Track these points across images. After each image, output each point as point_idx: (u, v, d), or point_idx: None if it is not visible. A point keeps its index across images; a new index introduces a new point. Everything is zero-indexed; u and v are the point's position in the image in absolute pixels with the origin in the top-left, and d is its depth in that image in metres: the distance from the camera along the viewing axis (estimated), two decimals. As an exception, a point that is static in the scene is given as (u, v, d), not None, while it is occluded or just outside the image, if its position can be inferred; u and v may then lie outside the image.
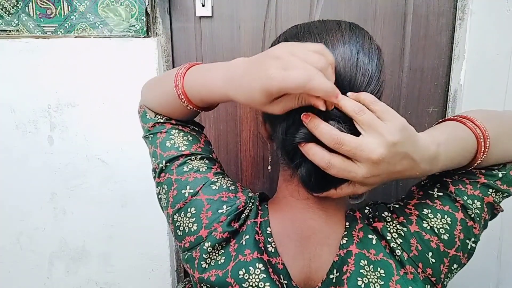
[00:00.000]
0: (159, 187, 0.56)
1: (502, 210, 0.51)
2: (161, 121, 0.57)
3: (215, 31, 1.04)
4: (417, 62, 1.02)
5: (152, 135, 0.57)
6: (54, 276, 1.16)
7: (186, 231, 0.51)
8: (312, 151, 0.41)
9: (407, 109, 1.04)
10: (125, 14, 0.99)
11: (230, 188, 0.53)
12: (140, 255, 1.12)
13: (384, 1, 1.00)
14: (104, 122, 1.05)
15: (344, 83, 0.43)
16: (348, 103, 0.40)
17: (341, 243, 0.48)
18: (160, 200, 0.56)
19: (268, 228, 0.50)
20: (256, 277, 0.47)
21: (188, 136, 0.56)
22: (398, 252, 0.46)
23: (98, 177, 1.08)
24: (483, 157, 0.47)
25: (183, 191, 0.52)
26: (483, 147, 0.46)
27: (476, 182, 0.49)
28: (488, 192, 0.49)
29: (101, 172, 1.08)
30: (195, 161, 0.54)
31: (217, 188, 0.52)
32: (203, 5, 1.02)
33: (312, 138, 0.42)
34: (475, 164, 0.48)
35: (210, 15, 1.03)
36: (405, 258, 0.46)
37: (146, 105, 0.60)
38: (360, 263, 0.47)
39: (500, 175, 0.50)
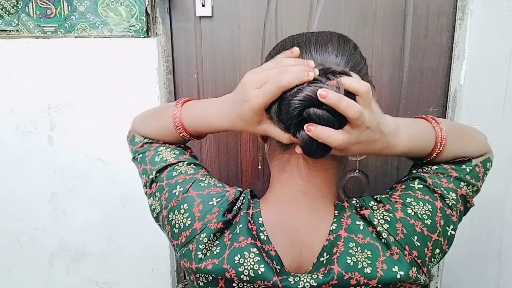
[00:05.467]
0: (151, 198, 0.59)
1: (473, 205, 0.58)
2: (149, 141, 0.62)
3: (215, 31, 1.04)
4: (417, 62, 1.02)
5: (140, 155, 0.62)
6: (54, 276, 1.16)
7: (182, 227, 0.54)
8: (319, 130, 0.45)
9: (407, 109, 1.04)
10: (125, 14, 0.99)
11: (218, 185, 0.57)
12: (140, 255, 1.12)
13: (384, 1, 1.00)
14: (104, 122, 1.05)
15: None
16: (355, 84, 0.45)
17: (331, 228, 0.52)
18: (153, 210, 0.59)
19: (260, 218, 0.53)
20: (251, 260, 0.49)
21: (175, 150, 0.61)
22: (384, 235, 0.50)
23: (98, 177, 1.08)
24: (443, 143, 0.54)
25: (173, 191, 0.56)
26: (440, 133, 0.54)
27: (449, 177, 0.55)
28: (461, 185, 0.55)
29: (101, 172, 1.08)
30: (183, 166, 0.58)
31: (205, 185, 0.56)
32: (203, 5, 1.02)
33: (309, 101, 0.45)
34: (436, 150, 0.55)
35: (210, 15, 1.03)
36: (391, 241, 0.50)
37: (138, 132, 0.65)
38: (349, 245, 0.50)
39: (468, 170, 0.56)
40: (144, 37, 1.00)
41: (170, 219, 0.55)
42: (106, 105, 1.04)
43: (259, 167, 0.56)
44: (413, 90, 1.04)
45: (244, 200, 0.55)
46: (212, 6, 1.02)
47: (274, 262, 0.50)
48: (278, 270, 0.50)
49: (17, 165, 1.09)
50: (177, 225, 0.54)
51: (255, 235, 0.51)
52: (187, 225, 0.53)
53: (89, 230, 1.12)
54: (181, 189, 0.55)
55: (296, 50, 0.49)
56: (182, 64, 1.07)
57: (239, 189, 0.57)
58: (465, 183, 0.55)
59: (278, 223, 0.53)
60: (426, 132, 0.55)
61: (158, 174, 0.58)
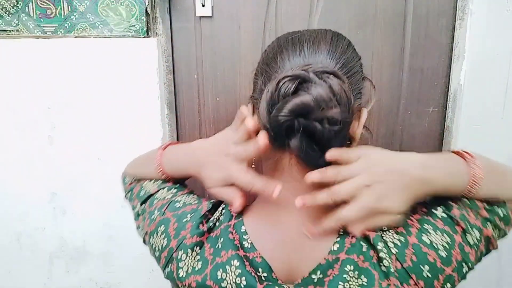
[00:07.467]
0: (139, 229, 0.61)
1: (497, 247, 0.53)
2: (136, 179, 0.67)
3: (215, 31, 1.04)
4: (417, 62, 1.02)
5: (129, 192, 0.65)
6: (54, 276, 1.16)
7: (160, 249, 0.54)
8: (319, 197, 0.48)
9: (407, 109, 1.04)
10: (125, 13, 0.99)
11: (193, 202, 0.57)
12: (140, 255, 1.12)
13: (384, 1, 1.00)
14: (104, 122, 1.05)
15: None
16: (331, 172, 0.47)
17: (332, 248, 0.49)
18: (143, 240, 0.61)
19: (242, 227, 0.52)
20: (232, 274, 0.48)
21: (158, 181, 0.63)
22: (385, 263, 0.46)
23: (98, 177, 1.08)
24: (478, 182, 0.49)
25: (152, 216, 0.57)
26: (476, 171, 0.49)
27: (477, 213, 0.51)
28: (487, 225, 0.51)
29: (101, 172, 1.08)
30: (163, 193, 0.60)
31: (180, 205, 0.57)
32: (203, 5, 1.02)
33: (295, 113, 0.43)
34: (469, 190, 0.50)
35: (210, 15, 1.03)
36: (392, 271, 0.46)
37: (129, 174, 0.70)
38: (346, 268, 0.47)
39: (501, 213, 0.52)
40: (144, 37, 1.00)
41: (151, 243, 0.56)
42: (106, 105, 1.04)
43: (253, 166, 0.55)
44: (413, 90, 1.04)
45: (223, 211, 0.54)
46: (212, 6, 1.02)
47: (259, 270, 0.49)
48: (263, 278, 0.48)
49: (17, 165, 1.09)
50: (156, 248, 0.54)
51: (237, 245, 0.50)
52: (163, 246, 0.53)
53: (89, 230, 1.12)
54: (158, 212, 0.57)
55: (244, 112, 0.51)
56: (182, 64, 1.07)
57: (212, 201, 0.57)
58: (493, 225, 0.51)
59: (264, 228, 0.52)
60: (459, 168, 0.50)
61: (142, 207, 0.60)
